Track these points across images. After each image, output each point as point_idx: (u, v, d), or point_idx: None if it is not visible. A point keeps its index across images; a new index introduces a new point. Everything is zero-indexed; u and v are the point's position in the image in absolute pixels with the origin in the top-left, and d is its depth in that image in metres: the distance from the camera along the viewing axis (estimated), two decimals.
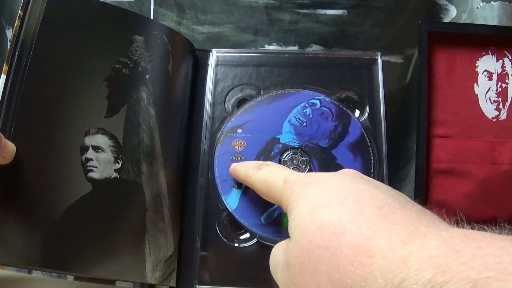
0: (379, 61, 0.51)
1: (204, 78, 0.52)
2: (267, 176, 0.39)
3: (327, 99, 0.50)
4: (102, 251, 0.41)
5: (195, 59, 0.53)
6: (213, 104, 0.51)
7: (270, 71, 0.51)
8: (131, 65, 0.46)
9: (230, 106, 0.51)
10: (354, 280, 0.26)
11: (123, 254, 0.42)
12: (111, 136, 0.44)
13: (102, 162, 0.43)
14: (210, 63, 0.52)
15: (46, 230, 0.39)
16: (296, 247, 0.31)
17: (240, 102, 0.51)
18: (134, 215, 0.43)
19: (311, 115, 0.49)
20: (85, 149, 0.42)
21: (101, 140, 0.43)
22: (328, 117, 0.49)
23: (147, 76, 0.46)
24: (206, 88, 0.51)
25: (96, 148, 0.43)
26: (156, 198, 0.45)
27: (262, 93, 0.50)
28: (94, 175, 0.42)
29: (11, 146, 0.38)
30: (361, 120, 0.49)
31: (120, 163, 0.44)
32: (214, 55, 0.52)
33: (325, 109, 0.49)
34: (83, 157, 0.42)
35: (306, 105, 0.49)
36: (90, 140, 0.42)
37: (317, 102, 0.50)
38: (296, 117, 0.49)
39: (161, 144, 0.46)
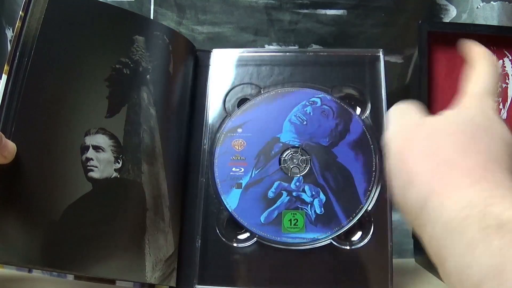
0: (381, 57, 0.50)
1: (204, 78, 0.52)
2: None
3: (328, 97, 0.50)
4: (102, 251, 0.41)
5: (196, 59, 0.53)
6: (214, 104, 0.51)
7: (271, 70, 0.51)
8: (132, 65, 0.46)
9: (230, 105, 0.51)
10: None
11: (123, 253, 0.42)
12: (112, 136, 0.44)
13: (103, 162, 0.43)
14: (210, 63, 0.52)
15: (46, 229, 0.39)
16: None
17: (241, 102, 0.51)
18: (134, 215, 0.43)
19: (311, 114, 0.49)
20: (85, 148, 0.42)
21: (101, 140, 0.43)
22: (329, 115, 0.49)
23: (148, 76, 0.46)
24: (207, 88, 0.51)
25: (97, 148, 0.43)
26: (156, 198, 0.45)
27: (262, 92, 0.50)
28: (95, 174, 0.42)
29: (11, 146, 0.38)
30: (362, 117, 0.49)
31: (121, 163, 0.43)
32: (215, 55, 0.52)
33: (326, 107, 0.49)
34: (84, 157, 0.42)
35: (307, 103, 0.49)
36: (90, 140, 0.42)
37: (318, 100, 0.49)
38: (297, 115, 0.49)
39: (161, 144, 0.46)
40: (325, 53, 0.52)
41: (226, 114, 0.50)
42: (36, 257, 0.38)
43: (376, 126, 0.48)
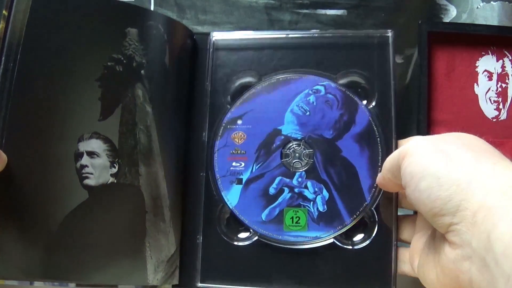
0: (391, 40, 0.47)
1: (203, 63, 0.49)
2: None
3: (333, 84, 0.47)
4: (102, 258, 0.41)
5: (194, 44, 0.50)
6: (213, 93, 0.48)
7: (272, 54, 0.48)
8: (124, 61, 0.43)
9: (230, 95, 0.48)
10: None
11: (124, 258, 0.42)
12: (106, 140, 0.42)
13: (98, 168, 0.42)
14: (209, 47, 0.49)
15: (45, 241, 0.39)
16: None
17: (241, 91, 0.48)
18: (133, 219, 0.43)
19: (315, 103, 0.46)
20: (79, 155, 0.41)
21: (95, 144, 0.42)
22: (333, 105, 0.46)
23: (142, 71, 0.44)
24: (205, 76, 0.49)
25: (91, 154, 0.42)
26: (155, 199, 0.44)
27: (263, 79, 0.48)
28: (90, 182, 0.41)
29: (2, 155, 0.38)
30: (369, 107, 0.46)
31: (117, 167, 0.43)
32: (213, 38, 0.49)
33: (330, 96, 0.47)
34: (78, 164, 0.41)
35: (310, 92, 0.47)
36: (84, 146, 0.41)
37: (322, 88, 0.47)
38: (299, 105, 0.47)
39: (159, 142, 0.45)
40: (330, 35, 0.49)
41: (225, 104, 0.48)
42: (36, 270, 0.39)
43: (383, 117, 0.45)
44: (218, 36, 0.50)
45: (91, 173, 0.41)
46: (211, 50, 0.49)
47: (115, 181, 0.42)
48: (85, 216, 0.41)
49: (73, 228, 0.40)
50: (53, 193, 0.40)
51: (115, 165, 0.42)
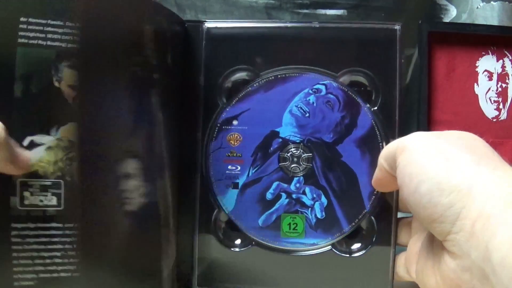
0: (398, 33, 0.44)
1: (195, 55, 0.45)
2: None
3: (334, 84, 0.44)
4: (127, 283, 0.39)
5: (186, 33, 0.45)
6: (206, 90, 0.45)
7: (270, 47, 0.45)
8: (143, 67, 0.39)
9: (224, 93, 0.45)
10: None
11: (144, 279, 0.40)
12: (137, 158, 0.38)
13: (135, 190, 0.38)
14: (201, 38, 0.45)
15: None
16: None
17: (237, 87, 0.45)
18: (151, 237, 0.41)
19: (315, 104, 0.44)
20: (117, 179, 0.37)
21: (129, 165, 0.38)
22: (335, 106, 0.44)
23: (155, 76, 0.40)
24: (198, 70, 0.45)
25: (127, 176, 0.38)
26: (166, 211, 0.42)
27: (261, 76, 0.45)
28: (130, 207, 0.38)
29: (25, 156, 0.34)
30: (372, 109, 0.44)
31: (146, 185, 0.39)
32: (206, 28, 0.45)
33: (332, 96, 0.44)
34: (118, 189, 0.37)
35: (310, 91, 0.44)
36: (120, 168, 0.37)
37: (323, 87, 0.44)
38: (298, 106, 0.44)
39: (166, 150, 0.42)
40: (333, 26, 0.45)
41: (219, 102, 0.45)
42: None
43: (386, 120, 0.44)
44: (212, 24, 0.45)
45: (131, 198, 0.38)
46: (204, 41, 0.45)
47: (147, 201, 0.39)
48: (130, 247, 0.38)
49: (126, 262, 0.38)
50: (105, 229, 0.37)
51: (145, 183, 0.39)
